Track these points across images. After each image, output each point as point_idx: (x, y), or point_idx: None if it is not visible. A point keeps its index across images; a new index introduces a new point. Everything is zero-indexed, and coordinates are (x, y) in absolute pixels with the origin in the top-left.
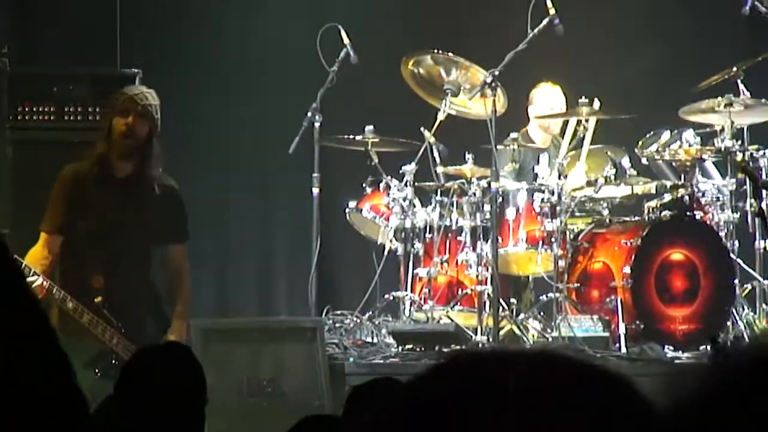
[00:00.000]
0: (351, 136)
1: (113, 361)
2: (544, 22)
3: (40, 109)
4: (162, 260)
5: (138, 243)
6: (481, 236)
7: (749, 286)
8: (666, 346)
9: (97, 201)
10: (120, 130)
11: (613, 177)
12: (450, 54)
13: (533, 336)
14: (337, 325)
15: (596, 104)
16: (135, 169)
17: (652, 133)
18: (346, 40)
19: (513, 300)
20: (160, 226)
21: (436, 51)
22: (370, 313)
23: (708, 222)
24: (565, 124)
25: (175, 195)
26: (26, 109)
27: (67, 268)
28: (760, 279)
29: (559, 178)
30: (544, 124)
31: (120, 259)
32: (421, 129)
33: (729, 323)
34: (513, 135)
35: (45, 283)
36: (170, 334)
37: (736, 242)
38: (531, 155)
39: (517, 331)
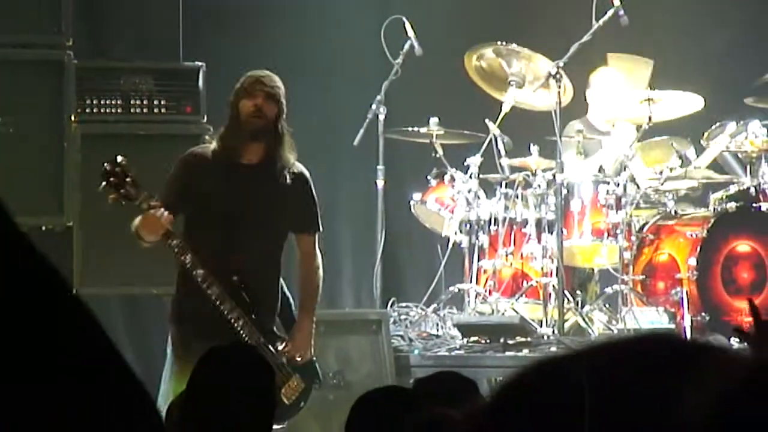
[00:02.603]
0: (415, 129)
1: None
2: (609, 13)
3: (106, 102)
4: (297, 249)
5: (270, 229)
6: (546, 228)
7: None
8: (732, 338)
9: (221, 185)
10: (249, 110)
11: (678, 168)
12: (514, 46)
13: (598, 328)
14: (402, 317)
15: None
16: (266, 152)
17: (717, 124)
18: (410, 33)
19: (578, 292)
20: (291, 213)
21: (499, 43)
22: (435, 305)
23: None
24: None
25: (306, 182)
26: (93, 102)
27: (197, 248)
28: None
29: (624, 169)
30: (602, 108)
31: (253, 242)
32: (486, 121)
33: None
34: (577, 126)
35: (177, 242)
36: (296, 331)
37: None
38: (596, 144)
39: (582, 323)
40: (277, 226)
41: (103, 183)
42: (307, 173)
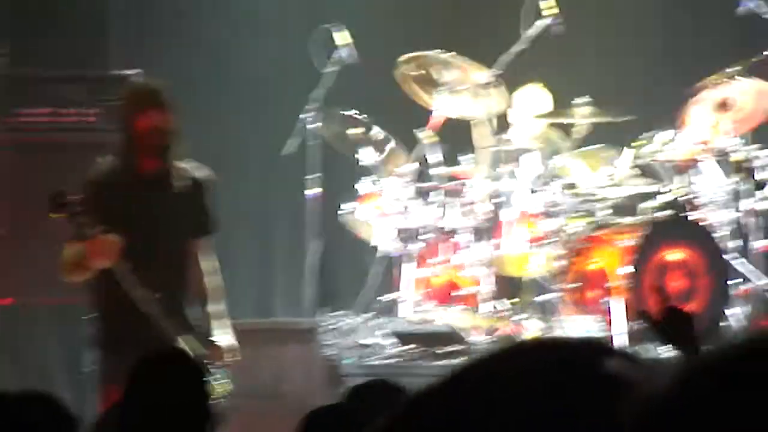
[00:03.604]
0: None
1: None
2: (546, 21)
3: (38, 111)
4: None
5: (177, 238)
6: (479, 237)
7: (745, 287)
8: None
9: (126, 203)
10: (145, 128)
11: (610, 177)
12: (450, 53)
13: (530, 337)
14: (334, 326)
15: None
16: (162, 162)
17: (648, 133)
18: (344, 41)
19: (510, 301)
20: (189, 220)
21: (436, 51)
22: (368, 314)
23: (705, 222)
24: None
25: (200, 187)
26: (23, 111)
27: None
28: (757, 280)
29: (553, 180)
30: (526, 127)
31: (167, 254)
32: (419, 129)
33: (725, 324)
34: (506, 136)
35: (127, 267)
36: (221, 333)
37: (733, 243)
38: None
39: (513, 331)
40: (179, 234)
41: (54, 216)
42: (202, 177)
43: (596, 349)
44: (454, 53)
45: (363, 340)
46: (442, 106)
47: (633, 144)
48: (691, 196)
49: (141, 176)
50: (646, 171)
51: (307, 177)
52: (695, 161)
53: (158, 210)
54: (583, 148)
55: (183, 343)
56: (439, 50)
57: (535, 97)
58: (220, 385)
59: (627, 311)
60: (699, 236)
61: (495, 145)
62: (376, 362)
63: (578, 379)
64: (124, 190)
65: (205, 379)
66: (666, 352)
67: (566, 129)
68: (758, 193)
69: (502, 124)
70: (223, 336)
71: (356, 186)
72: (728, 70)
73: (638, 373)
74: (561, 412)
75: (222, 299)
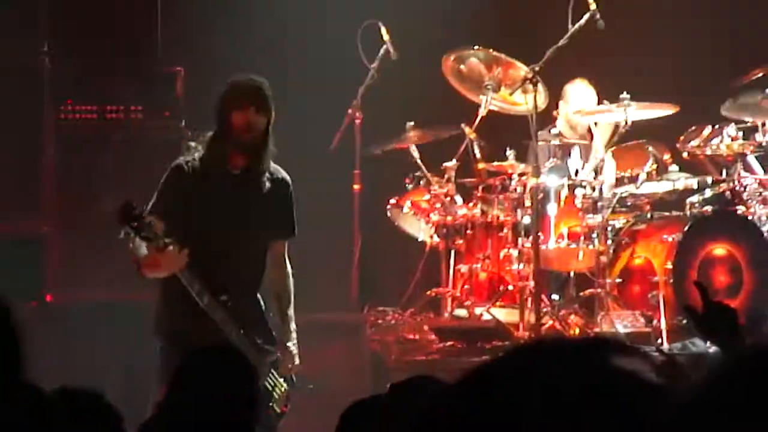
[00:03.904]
0: (390, 142)
1: None
2: (585, 17)
3: (83, 108)
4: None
5: (257, 237)
6: (523, 232)
7: None
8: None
9: (213, 195)
10: (240, 124)
11: (654, 172)
12: (490, 50)
13: (575, 332)
14: (380, 321)
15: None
16: (252, 159)
17: (693, 128)
18: (386, 37)
19: (555, 296)
20: (273, 220)
21: (476, 47)
22: (412, 309)
23: (750, 217)
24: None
25: (288, 187)
26: (68, 108)
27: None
28: None
29: (597, 175)
30: (573, 122)
31: (243, 253)
32: (462, 125)
33: None
34: (554, 130)
35: (188, 274)
36: (284, 344)
37: None
38: (565, 151)
39: (558, 327)
40: (264, 234)
41: (124, 232)
42: (289, 179)
43: (608, 347)
44: (493, 50)
45: (408, 335)
46: (486, 101)
47: (679, 138)
48: (736, 190)
49: (229, 171)
50: (692, 165)
51: (355, 171)
52: (742, 155)
53: (241, 207)
54: (628, 143)
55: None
56: (480, 47)
57: (582, 93)
58: (281, 387)
59: (672, 306)
60: (744, 230)
61: (545, 140)
62: (422, 357)
63: (589, 378)
64: (209, 183)
65: (253, 375)
66: (710, 347)
67: (613, 126)
68: None
69: (544, 119)
70: (288, 347)
71: (404, 181)
72: None
73: (653, 370)
74: (572, 414)
75: (292, 305)
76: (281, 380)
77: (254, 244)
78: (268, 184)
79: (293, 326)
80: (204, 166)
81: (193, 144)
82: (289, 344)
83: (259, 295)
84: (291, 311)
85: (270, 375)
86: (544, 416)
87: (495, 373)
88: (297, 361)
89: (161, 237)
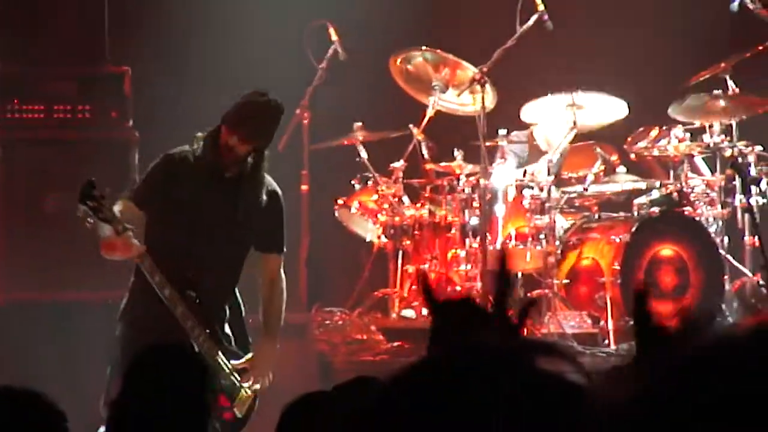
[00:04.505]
0: (337, 139)
1: None
2: (533, 18)
3: (29, 107)
4: (260, 269)
5: (238, 243)
6: (471, 233)
7: (738, 282)
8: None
9: (199, 194)
10: (225, 143)
11: (602, 173)
12: (438, 51)
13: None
14: (327, 321)
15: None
16: (244, 170)
17: (641, 129)
18: (334, 37)
19: None
20: (261, 231)
21: (424, 48)
22: (360, 310)
23: (697, 218)
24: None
25: (279, 201)
26: (15, 107)
27: (159, 254)
28: (749, 274)
29: (549, 175)
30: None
31: (215, 257)
32: (410, 126)
33: (718, 319)
34: (501, 131)
35: (149, 264)
36: (259, 357)
37: (726, 238)
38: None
39: None
40: (245, 241)
41: (82, 207)
42: (280, 192)
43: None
44: (441, 50)
45: (357, 335)
46: (434, 102)
47: (626, 139)
48: (683, 191)
49: (221, 173)
50: (640, 166)
51: (303, 172)
52: (689, 156)
53: (223, 209)
54: (575, 144)
55: (200, 345)
56: (428, 47)
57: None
58: (244, 391)
59: (620, 307)
60: (691, 231)
61: (492, 142)
62: (369, 358)
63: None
64: (195, 180)
65: (205, 374)
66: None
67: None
68: (753, 189)
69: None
70: (262, 362)
71: (351, 181)
72: (722, 65)
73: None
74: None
75: (280, 323)
76: (245, 385)
77: (231, 248)
78: (256, 193)
79: (273, 346)
80: (197, 162)
81: (199, 135)
82: (259, 361)
83: (239, 299)
84: (275, 329)
85: (232, 377)
86: (472, 416)
87: (427, 377)
88: (264, 379)
89: (119, 221)
